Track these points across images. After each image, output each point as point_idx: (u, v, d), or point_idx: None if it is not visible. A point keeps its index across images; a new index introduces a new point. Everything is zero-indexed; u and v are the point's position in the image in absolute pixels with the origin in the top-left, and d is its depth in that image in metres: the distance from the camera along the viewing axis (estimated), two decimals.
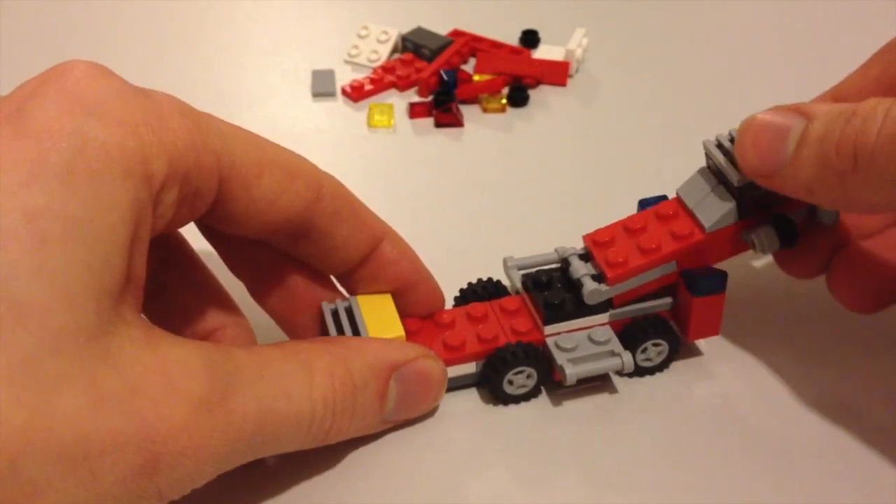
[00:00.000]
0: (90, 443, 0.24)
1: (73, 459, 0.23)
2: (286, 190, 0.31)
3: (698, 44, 0.59)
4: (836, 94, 0.36)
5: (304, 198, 0.31)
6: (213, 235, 0.34)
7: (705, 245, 0.34)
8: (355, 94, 0.52)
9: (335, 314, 0.34)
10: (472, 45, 0.56)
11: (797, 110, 0.31)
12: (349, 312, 0.34)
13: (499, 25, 0.59)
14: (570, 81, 0.55)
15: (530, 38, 0.57)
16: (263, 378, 0.28)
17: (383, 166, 0.48)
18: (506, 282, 0.37)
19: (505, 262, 0.37)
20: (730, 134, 0.34)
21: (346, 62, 0.56)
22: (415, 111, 0.51)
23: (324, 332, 0.34)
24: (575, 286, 0.34)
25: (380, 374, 0.31)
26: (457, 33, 0.57)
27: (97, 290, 0.24)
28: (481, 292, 0.37)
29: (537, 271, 0.36)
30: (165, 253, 0.33)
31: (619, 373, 0.35)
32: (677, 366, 0.36)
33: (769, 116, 0.32)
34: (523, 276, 0.36)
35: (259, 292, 0.34)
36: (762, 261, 0.40)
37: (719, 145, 0.34)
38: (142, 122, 0.26)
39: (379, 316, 0.33)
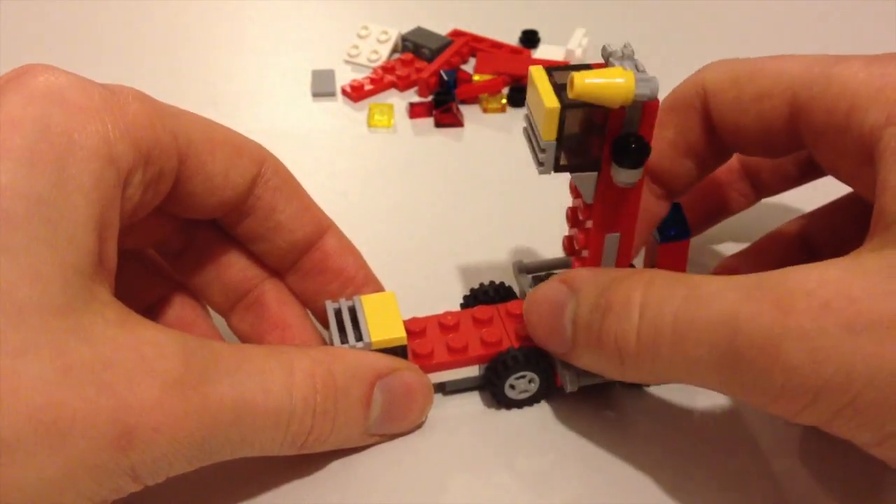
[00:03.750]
0: (60, 409, 0.24)
1: (42, 422, 0.23)
2: (235, 165, 0.31)
3: (698, 44, 0.59)
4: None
5: (250, 172, 0.32)
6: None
7: None
8: (355, 94, 0.52)
9: (338, 313, 0.34)
10: (472, 45, 0.56)
11: (565, 282, 0.31)
12: (352, 311, 0.33)
13: (499, 25, 0.59)
14: None
15: (530, 38, 0.57)
16: (242, 370, 0.28)
17: (383, 166, 0.48)
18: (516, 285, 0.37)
19: (515, 265, 0.37)
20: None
21: (346, 62, 0.56)
22: (415, 111, 0.51)
23: (314, 334, 0.34)
24: None
25: (363, 380, 0.31)
26: (457, 33, 0.57)
27: (63, 267, 0.24)
28: (492, 294, 0.37)
29: (547, 275, 0.36)
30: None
31: (623, 382, 0.34)
32: None
33: (542, 293, 0.32)
34: (533, 279, 0.36)
35: (204, 288, 0.35)
36: None
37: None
38: (102, 108, 0.27)
39: (381, 316, 0.33)
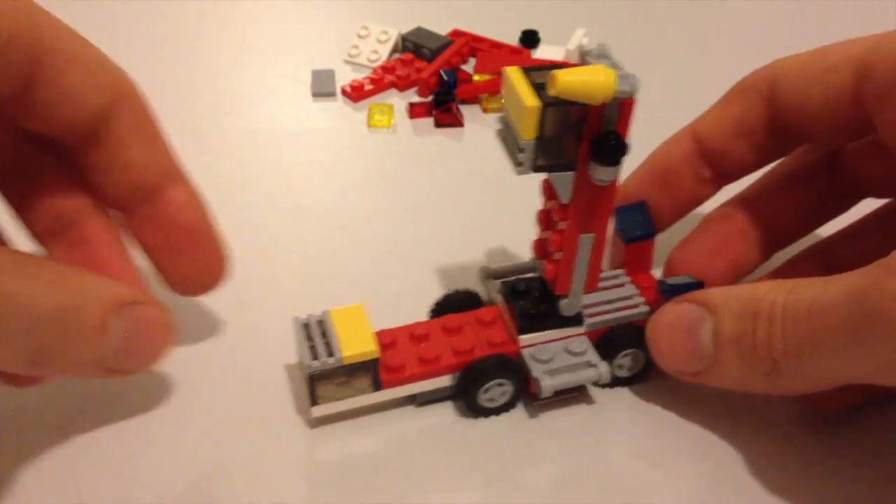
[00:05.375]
0: None
1: None
2: (93, 84, 0.30)
3: (698, 43, 0.59)
4: (697, 130, 0.36)
5: (107, 97, 0.30)
6: None
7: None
8: (355, 94, 0.52)
9: (307, 327, 0.33)
10: (472, 45, 0.56)
11: (698, 302, 0.31)
12: (321, 326, 0.33)
13: (499, 25, 0.59)
14: None
15: (530, 38, 0.57)
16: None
17: (383, 166, 0.48)
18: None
19: (481, 271, 0.37)
20: None
21: (346, 62, 0.56)
22: (415, 111, 0.51)
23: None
24: (552, 296, 0.34)
25: (103, 303, 0.29)
26: (457, 33, 0.57)
27: None
28: (464, 301, 0.36)
29: (516, 280, 0.35)
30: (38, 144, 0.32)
31: (597, 384, 0.34)
32: (656, 375, 0.35)
33: (673, 315, 0.32)
34: (502, 284, 0.35)
35: (24, 205, 0.33)
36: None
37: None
38: None
39: (351, 329, 0.32)
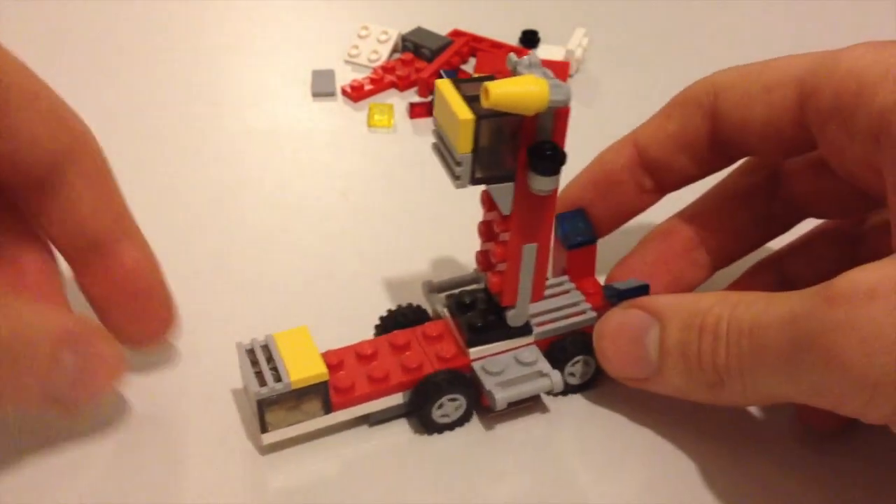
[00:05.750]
0: None
1: None
2: (47, 131, 0.29)
3: (698, 43, 0.59)
4: (638, 140, 0.36)
5: (62, 145, 0.29)
6: None
7: None
8: (355, 94, 0.52)
9: (250, 353, 0.32)
10: (472, 45, 0.56)
11: (645, 309, 0.31)
12: (265, 351, 0.32)
13: (499, 25, 0.59)
14: (570, 81, 0.55)
15: (530, 38, 0.57)
16: None
17: (383, 166, 0.48)
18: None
19: (424, 285, 0.36)
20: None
21: (346, 62, 0.56)
22: (415, 111, 0.51)
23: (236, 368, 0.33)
24: (498, 307, 0.33)
25: (52, 334, 0.29)
26: (457, 33, 0.57)
27: None
28: (410, 317, 0.35)
29: (461, 292, 0.35)
30: None
31: (549, 393, 0.34)
32: (608, 381, 0.34)
33: (620, 322, 0.32)
34: (447, 297, 0.35)
35: None
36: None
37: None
38: None
39: (297, 352, 0.31)
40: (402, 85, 0.53)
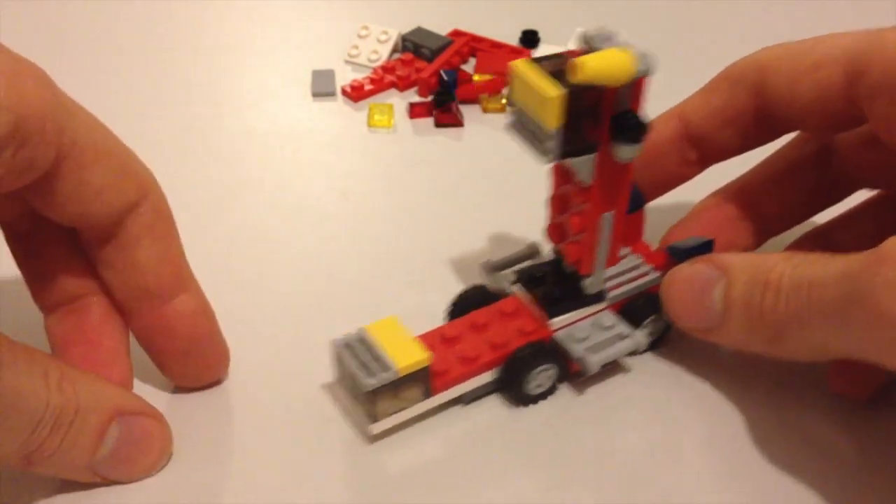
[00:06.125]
0: None
1: None
2: (115, 184, 0.30)
3: (698, 43, 0.59)
4: (684, 113, 0.37)
5: (128, 198, 0.30)
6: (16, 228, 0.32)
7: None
8: (355, 94, 0.52)
9: (349, 348, 0.32)
10: (472, 45, 0.56)
11: (713, 263, 0.33)
12: (364, 344, 0.32)
13: (499, 25, 0.59)
14: None
15: (530, 38, 0.57)
16: (15, 363, 0.27)
17: (383, 166, 0.48)
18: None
19: (484, 265, 0.37)
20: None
21: (346, 62, 0.56)
22: (415, 111, 0.51)
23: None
24: (570, 277, 0.34)
25: (103, 409, 0.30)
26: (457, 33, 0.57)
27: None
28: (473, 301, 0.36)
29: (530, 267, 0.36)
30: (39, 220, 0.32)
31: (635, 352, 0.35)
32: (675, 337, 0.36)
33: (688, 274, 0.34)
34: (516, 274, 0.36)
35: (43, 298, 0.33)
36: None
37: None
38: None
39: (394, 340, 0.32)
40: (402, 85, 0.53)
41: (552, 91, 0.28)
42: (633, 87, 0.29)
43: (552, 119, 0.29)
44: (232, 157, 0.48)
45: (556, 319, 0.34)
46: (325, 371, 0.35)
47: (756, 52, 0.35)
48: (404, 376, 0.31)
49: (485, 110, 0.52)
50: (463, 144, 0.50)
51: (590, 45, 0.30)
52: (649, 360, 0.37)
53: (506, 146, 0.50)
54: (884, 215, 0.38)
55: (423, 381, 0.32)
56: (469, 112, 0.52)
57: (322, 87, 0.53)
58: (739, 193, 0.38)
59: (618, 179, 0.32)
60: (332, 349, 0.33)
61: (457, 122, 0.51)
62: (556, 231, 0.35)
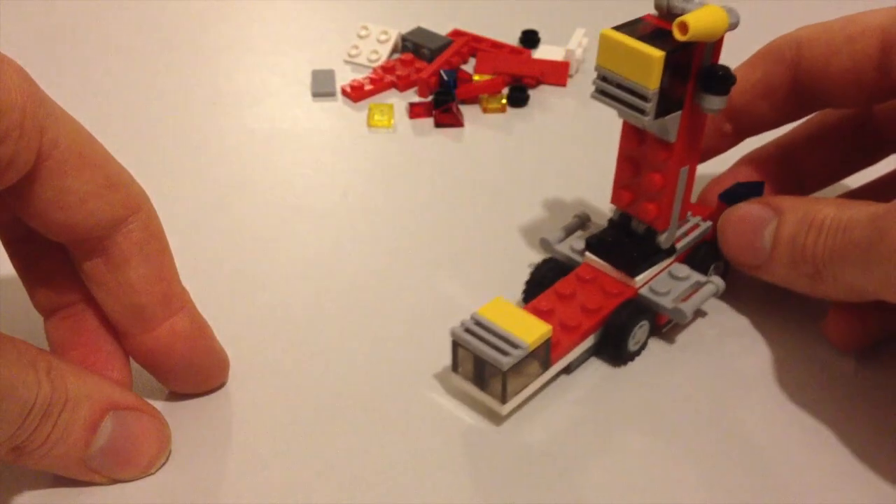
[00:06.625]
0: None
1: None
2: (101, 195, 0.29)
3: None
4: None
5: (116, 211, 0.29)
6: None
7: None
8: (355, 94, 0.52)
9: (471, 332, 0.32)
10: (472, 45, 0.56)
11: (768, 204, 0.35)
12: (483, 327, 0.32)
13: (499, 25, 0.59)
14: (570, 81, 0.55)
15: (530, 38, 0.57)
16: (4, 355, 0.27)
17: (383, 166, 0.48)
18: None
19: (543, 241, 0.38)
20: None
21: (346, 62, 0.56)
22: (415, 111, 0.51)
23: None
24: (643, 235, 0.36)
25: (95, 402, 0.29)
26: (457, 33, 0.57)
27: None
28: (550, 275, 0.37)
29: (599, 233, 0.37)
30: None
31: (715, 295, 0.36)
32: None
33: (743, 213, 0.36)
34: (588, 242, 0.37)
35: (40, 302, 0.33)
36: None
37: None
38: None
39: (511, 319, 0.32)
40: (402, 85, 0.53)
41: (655, 52, 0.30)
42: (716, 43, 0.31)
43: (654, 79, 0.30)
44: (232, 156, 0.48)
45: (638, 277, 0.36)
46: (325, 370, 0.35)
47: (793, 31, 0.37)
48: (533, 350, 0.32)
49: (485, 110, 0.52)
50: (463, 144, 0.50)
51: (669, 9, 0.32)
52: (714, 305, 0.38)
53: (505, 146, 0.50)
54: None
55: (545, 353, 0.33)
56: (469, 112, 0.52)
57: (322, 86, 0.53)
58: (777, 150, 0.40)
59: (698, 133, 0.34)
60: (451, 338, 0.32)
61: (457, 123, 0.51)
62: (626, 194, 0.36)
